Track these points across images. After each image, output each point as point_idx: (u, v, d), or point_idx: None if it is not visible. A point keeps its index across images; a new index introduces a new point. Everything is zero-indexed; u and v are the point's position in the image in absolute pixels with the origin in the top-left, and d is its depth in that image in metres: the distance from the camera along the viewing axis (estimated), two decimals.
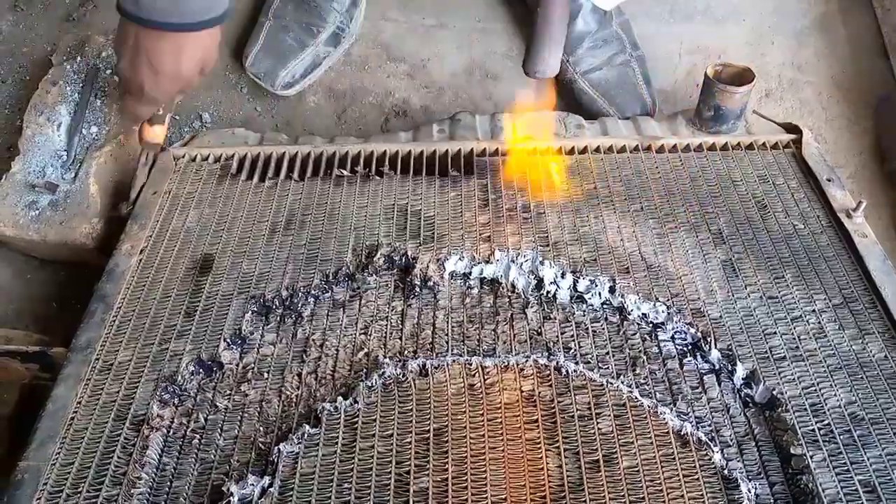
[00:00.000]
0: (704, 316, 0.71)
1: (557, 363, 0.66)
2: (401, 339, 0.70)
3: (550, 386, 0.65)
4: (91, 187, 0.91)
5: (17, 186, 0.91)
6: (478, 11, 1.18)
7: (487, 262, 0.76)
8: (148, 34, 0.75)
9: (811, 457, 0.60)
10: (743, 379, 0.67)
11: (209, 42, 0.78)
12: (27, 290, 0.97)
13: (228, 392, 0.67)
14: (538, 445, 0.61)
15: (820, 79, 1.13)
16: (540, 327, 0.71)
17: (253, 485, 0.59)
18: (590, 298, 0.73)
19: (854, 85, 1.12)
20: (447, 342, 0.69)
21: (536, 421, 0.63)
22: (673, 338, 0.70)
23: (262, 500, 0.59)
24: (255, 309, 0.73)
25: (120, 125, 0.96)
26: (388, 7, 1.19)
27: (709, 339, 0.69)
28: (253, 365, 0.69)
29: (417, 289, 0.74)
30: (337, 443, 0.62)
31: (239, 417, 0.65)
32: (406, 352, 0.69)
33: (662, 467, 0.59)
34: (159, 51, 0.76)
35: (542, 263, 0.75)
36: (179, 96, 0.86)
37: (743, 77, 0.90)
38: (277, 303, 0.74)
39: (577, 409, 0.63)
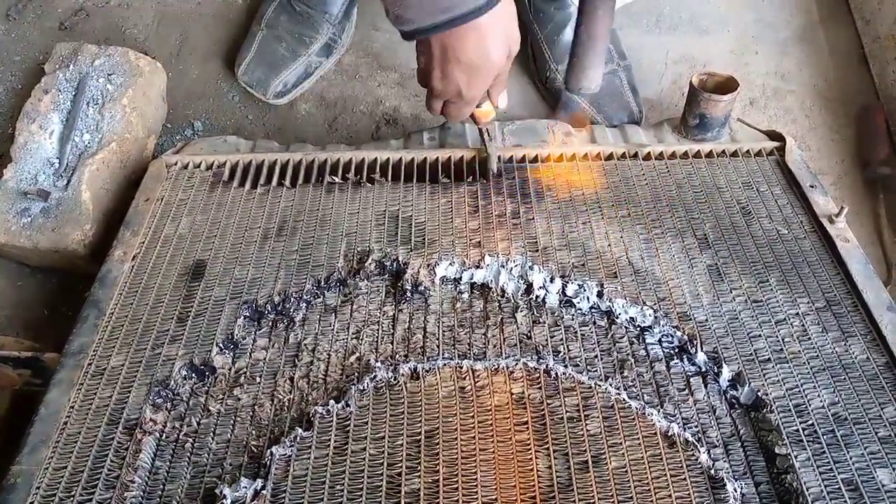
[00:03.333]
0: (691, 319, 0.72)
1: (547, 366, 0.67)
2: (392, 343, 0.71)
3: (540, 388, 0.66)
4: (83, 195, 0.91)
5: (9, 194, 0.92)
6: None
7: (477, 267, 0.77)
8: (448, 38, 0.70)
9: (795, 456, 0.61)
10: (728, 381, 0.68)
11: (507, 17, 0.71)
12: (18, 296, 0.97)
13: (221, 396, 0.68)
14: (528, 447, 0.62)
15: (803, 88, 1.15)
16: (529, 331, 0.72)
17: (245, 487, 0.60)
18: (578, 303, 0.74)
19: (836, 94, 1.14)
20: (438, 346, 0.70)
21: (526, 423, 0.63)
22: (660, 341, 0.71)
23: (255, 502, 0.59)
24: (248, 314, 0.74)
25: (113, 133, 0.96)
26: (378, 17, 1.20)
27: (695, 342, 0.70)
28: (245, 369, 0.70)
29: (408, 294, 0.75)
30: (329, 445, 0.63)
31: (231, 421, 0.66)
32: (397, 356, 0.70)
33: (650, 467, 0.60)
34: (463, 48, 0.70)
35: (531, 268, 0.76)
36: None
37: (727, 86, 0.92)
38: (270, 308, 0.74)
39: (567, 411, 0.64)
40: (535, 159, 0.91)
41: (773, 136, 0.95)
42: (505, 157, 0.90)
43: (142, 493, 0.61)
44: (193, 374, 0.69)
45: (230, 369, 0.70)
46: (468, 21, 0.68)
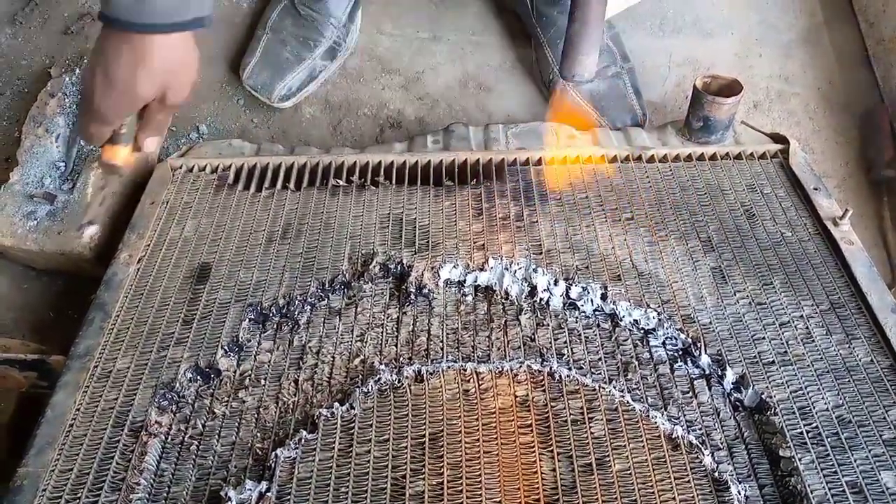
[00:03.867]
0: (694, 322, 0.72)
1: (551, 369, 0.68)
2: (396, 345, 0.71)
3: (544, 391, 0.66)
4: (89, 198, 0.92)
5: (15, 197, 0.92)
6: (471, 25, 1.20)
7: (481, 269, 0.77)
8: (110, 37, 0.65)
9: (800, 459, 0.61)
10: (732, 383, 0.68)
11: (180, 53, 0.66)
12: (25, 299, 0.97)
13: (226, 399, 0.68)
14: (532, 449, 0.62)
15: (807, 90, 1.15)
16: (533, 334, 0.72)
17: (250, 490, 0.60)
18: (582, 305, 0.74)
19: (840, 96, 1.14)
20: (442, 348, 0.70)
21: (530, 425, 0.64)
22: (664, 343, 0.71)
23: None
24: (253, 317, 0.74)
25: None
26: (383, 20, 1.20)
27: (699, 345, 0.70)
28: (250, 372, 0.70)
29: (413, 296, 0.75)
30: (334, 448, 0.63)
31: (236, 423, 0.66)
32: (402, 358, 0.70)
33: (654, 470, 0.60)
34: (116, 56, 0.64)
35: (535, 271, 0.76)
36: (127, 118, 0.72)
37: (731, 89, 0.92)
38: (274, 311, 0.75)
39: (570, 414, 0.64)
40: (538, 162, 0.91)
41: (777, 138, 0.95)
42: (509, 160, 0.91)
43: (147, 496, 0.61)
44: (198, 377, 0.70)
45: (235, 372, 0.70)
46: (133, 30, 0.63)
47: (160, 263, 0.80)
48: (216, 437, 0.65)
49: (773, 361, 0.69)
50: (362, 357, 0.70)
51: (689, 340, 0.70)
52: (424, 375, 0.67)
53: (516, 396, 0.66)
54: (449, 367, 0.68)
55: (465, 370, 0.68)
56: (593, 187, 0.87)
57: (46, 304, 0.97)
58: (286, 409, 0.67)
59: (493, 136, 0.98)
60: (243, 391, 0.68)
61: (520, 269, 0.77)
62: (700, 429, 0.64)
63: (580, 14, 0.86)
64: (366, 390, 0.66)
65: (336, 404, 0.66)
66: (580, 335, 0.72)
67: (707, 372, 0.69)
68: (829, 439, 0.63)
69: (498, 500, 0.59)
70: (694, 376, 0.69)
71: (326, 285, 0.77)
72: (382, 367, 0.68)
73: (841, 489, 0.59)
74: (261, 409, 0.67)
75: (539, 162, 0.91)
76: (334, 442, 0.63)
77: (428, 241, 0.81)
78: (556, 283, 0.75)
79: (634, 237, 0.81)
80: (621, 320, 0.73)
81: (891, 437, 0.63)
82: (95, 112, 0.68)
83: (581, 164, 0.91)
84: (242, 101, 1.14)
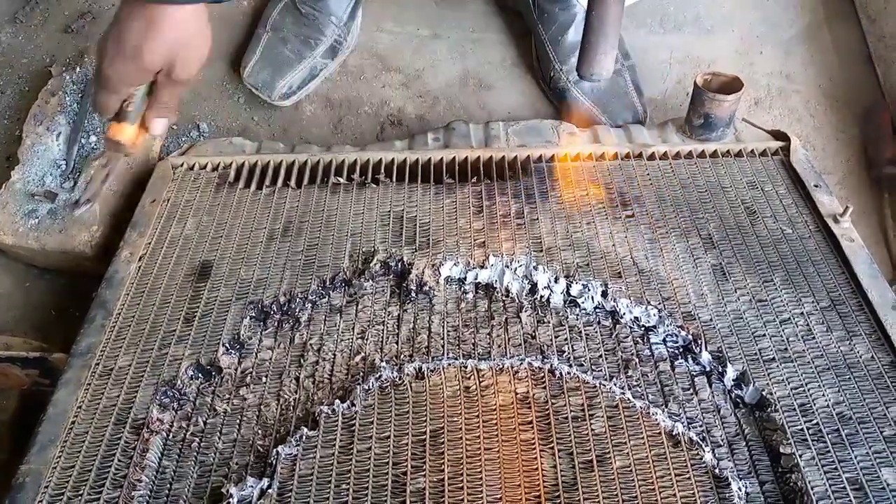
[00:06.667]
0: (695, 319, 0.72)
1: (551, 366, 0.68)
2: (397, 343, 0.71)
3: (544, 388, 0.66)
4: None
5: (16, 195, 0.92)
6: (472, 22, 1.20)
7: (482, 267, 0.77)
8: (126, 6, 0.66)
9: (800, 455, 0.61)
10: (733, 380, 0.68)
11: (192, 26, 0.67)
12: (26, 297, 0.97)
13: (227, 396, 0.68)
14: (533, 446, 0.62)
15: (808, 87, 1.15)
16: (534, 331, 0.72)
17: (252, 487, 0.60)
18: (583, 302, 0.74)
19: (841, 93, 1.14)
20: (443, 346, 0.71)
21: (531, 422, 0.64)
22: (664, 340, 0.71)
23: (261, 501, 0.60)
24: (254, 314, 0.74)
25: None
26: (383, 18, 1.20)
27: (699, 342, 0.70)
28: (251, 369, 0.70)
29: (413, 294, 0.75)
30: (335, 445, 0.63)
31: (238, 421, 0.66)
32: (402, 355, 0.70)
33: (654, 467, 0.60)
34: (129, 23, 0.66)
35: (535, 268, 0.76)
36: (138, 89, 0.72)
37: (732, 86, 0.92)
38: (275, 308, 0.75)
39: (571, 411, 0.64)
40: (539, 159, 0.91)
41: (778, 135, 0.95)
42: (510, 158, 0.91)
43: (149, 493, 0.61)
44: (200, 374, 0.70)
45: (236, 369, 0.70)
46: (154, 2, 0.63)
47: (161, 261, 0.81)
48: (218, 434, 0.65)
49: (774, 358, 0.69)
50: (363, 354, 0.70)
51: (690, 337, 0.70)
52: (425, 372, 0.67)
53: (517, 393, 0.66)
54: (450, 365, 0.68)
55: (466, 367, 0.68)
56: (594, 185, 0.87)
57: (48, 302, 0.97)
58: (287, 407, 0.67)
59: (493, 133, 0.98)
60: (244, 388, 0.68)
61: (520, 266, 0.77)
62: (701, 425, 0.64)
63: (598, 12, 0.85)
64: (367, 387, 0.66)
65: (337, 401, 0.66)
66: (581, 332, 0.72)
67: (708, 369, 0.69)
68: (829, 436, 0.63)
69: (499, 496, 0.59)
70: (694, 373, 0.69)
71: (327, 283, 0.77)
72: (383, 364, 0.68)
73: (841, 486, 0.59)
74: (262, 407, 0.67)
75: (539, 159, 0.91)
76: (335, 439, 0.63)
77: (428, 239, 0.81)
78: (556, 280, 0.75)
79: (635, 234, 0.81)
80: (622, 317, 0.73)
81: (891, 433, 0.63)
82: (105, 79, 0.69)
83: (582, 162, 0.91)
84: (243, 99, 1.14)
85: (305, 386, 0.68)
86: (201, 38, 0.69)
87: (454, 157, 0.91)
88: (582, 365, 0.69)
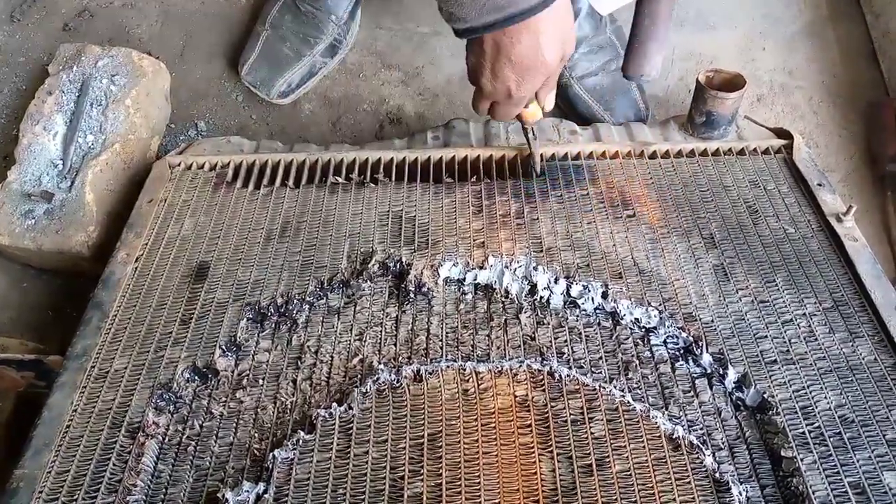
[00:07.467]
0: (696, 320, 0.71)
1: (551, 368, 0.67)
2: (395, 344, 0.71)
3: (544, 391, 0.66)
4: (87, 196, 0.91)
5: (12, 195, 0.92)
6: None
7: (481, 267, 0.76)
8: (501, 37, 0.67)
9: (802, 459, 0.61)
10: (734, 382, 0.67)
11: (563, 17, 0.68)
12: (23, 298, 0.97)
13: (224, 399, 0.68)
14: (532, 450, 0.61)
15: (811, 84, 1.14)
16: (533, 332, 0.71)
17: (248, 491, 0.60)
18: (583, 303, 0.73)
19: (844, 90, 1.13)
20: (441, 348, 0.70)
21: (530, 425, 0.63)
22: (665, 342, 0.70)
23: None
24: (251, 316, 0.74)
25: (117, 134, 0.96)
26: (382, 15, 1.19)
27: (700, 344, 0.69)
28: (248, 372, 0.70)
29: (412, 295, 0.75)
30: (332, 448, 0.62)
31: (234, 424, 0.66)
32: (400, 357, 0.69)
33: (654, 470, 0.60)
34: (516, 48, 0.67)
35: (535, 269, 0.75)
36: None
37: (734, 83, 0.91)
38: (273, 310, 0.74)
39: (570, 414, 0.64)
40: (539, 158, 0.90)
41: (781, 133, 0.94)
42: (509, 156, 0.90)
43: (144, 497, 0.61)
44: (196, 377, 0.69)
45: (233, 372, 0.70)
46: (523, 20, 0.65)
47: (158, 262, 0.80)
48: (214, 437, 0.65)
49: (776, 360, 0.68)
50: (361, 356, 0.70)
51: (691, 339, 0.70)
52: (423, 375, 0.67)
53: (516, 396, 0.65)
54: (448, 367, 0.67)
55: (465, 370, 0.67)
56: (594, 183, 0.87)
57: (45, 303, 0.96)
58: (284, 410, 0.66)
59: (493, 131, 0.97)
60: (241, 391, 0.68)
61: (520, 267, 0.76)
62: (701, 429, 0.64)
63: (649, 10, 0.83)
64: (364, 390, 0.66)
65: (334, 405, 0.65)
66: (581, 334, 0.71)
67: (708, 371, 0.68)
68: (831, 439, 0.62)
69: (497, 501, 0.58)
70: (695, 375, 0.68)
71: (325, 284, 0.76)
72: (381, 366, 0.68)
73: (843, 490, 0.59)
74: (259, 410, 0.66)
75: (540, 158, 0.90)
76: (332, 443, 0.63)
77: (427, 239, 0.80)
78: (556, 281, 0.74)
79: (636, 234, 0.81)
80: (622, 319, 0.72)
81: (894, 436, 0.62)
82: (519, 99, 0.73)
83: (583, 160, 0.90)
84: (241, 97, 1.13)
85: (302, 389, 0.68)
86: (567, 12, 0.70)
87: (454, 157, 0.90)
88: (582, 367, 0.68)
